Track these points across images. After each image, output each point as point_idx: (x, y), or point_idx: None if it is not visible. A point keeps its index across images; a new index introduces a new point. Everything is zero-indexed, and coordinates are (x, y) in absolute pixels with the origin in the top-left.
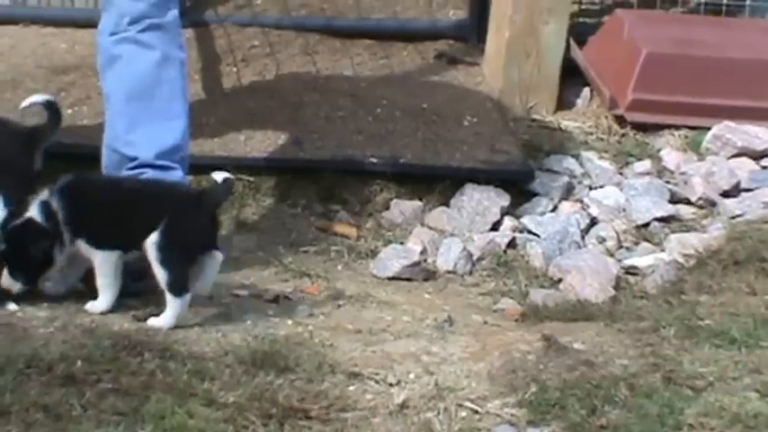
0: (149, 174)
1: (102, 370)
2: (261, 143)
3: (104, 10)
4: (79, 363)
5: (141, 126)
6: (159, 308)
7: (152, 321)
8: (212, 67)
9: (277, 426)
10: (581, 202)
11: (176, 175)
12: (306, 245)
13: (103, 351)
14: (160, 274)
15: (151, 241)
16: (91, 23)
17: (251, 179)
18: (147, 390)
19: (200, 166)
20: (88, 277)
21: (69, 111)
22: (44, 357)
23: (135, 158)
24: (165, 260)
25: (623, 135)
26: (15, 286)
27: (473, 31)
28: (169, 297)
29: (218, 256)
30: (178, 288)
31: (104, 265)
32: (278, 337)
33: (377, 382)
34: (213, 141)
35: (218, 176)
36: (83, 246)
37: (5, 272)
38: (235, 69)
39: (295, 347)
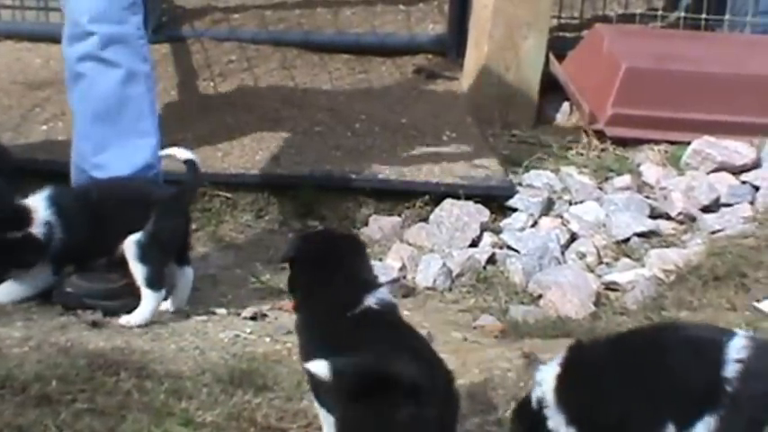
0: None
1: (77, 390)
2: (238, 159)
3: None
4: (54, 383)
5: (109, 148)
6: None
7: (125, 319)
8: (189, 82)
9: None
10: (561, 217)
11: None
12: None
13: (79, 370)
14: (138, 271)
15: (132, 239)
16: None
17: (228, 195)
18: (123, 409)
19: (177, 183)
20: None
21: (44, 127)
22: (18, 377)
23: None
24: (144, 256)
25: (603, 150)
26: None
27: (452, 45)
28: (146, 292)
29: (190, 272)
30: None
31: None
32: (256, 355)
33: None
34: None
35: (182, 155)
36: None
37: None
38: (212, 84)
39: (273, 365)
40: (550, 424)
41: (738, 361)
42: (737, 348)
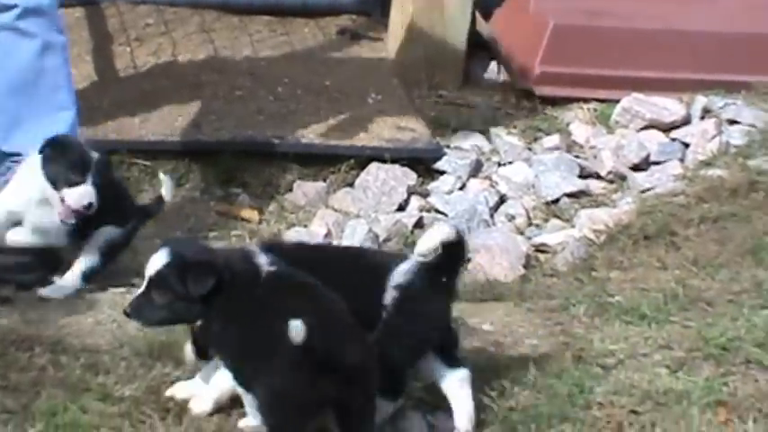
0: None
1: None
2: (157, 126)
3: None
4: None
5: (25, 122)
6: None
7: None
8: (104, 48)
9: (175, 420)
10: (489, 179)
11: None
12: (205, 230)
13: None
14: None
15: None
16: None
17: (147, 163)
18: (37, 386)
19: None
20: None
21: None
22: None
23: (18, 155)
24: None
25: (532, 110)
26: None
27: (376, 5)
28: None
29: None
30: None
31: None
32: (175, 328)
33: None
34: (107, 125)
35: None
36: None
37: None
38: (128, 49)
39: None
40: None
41: (396, 287)
42: (399, 273)
